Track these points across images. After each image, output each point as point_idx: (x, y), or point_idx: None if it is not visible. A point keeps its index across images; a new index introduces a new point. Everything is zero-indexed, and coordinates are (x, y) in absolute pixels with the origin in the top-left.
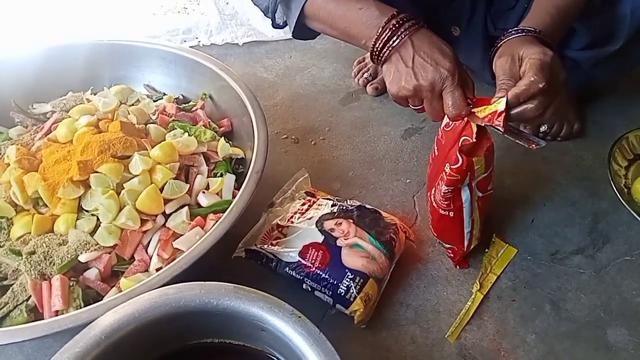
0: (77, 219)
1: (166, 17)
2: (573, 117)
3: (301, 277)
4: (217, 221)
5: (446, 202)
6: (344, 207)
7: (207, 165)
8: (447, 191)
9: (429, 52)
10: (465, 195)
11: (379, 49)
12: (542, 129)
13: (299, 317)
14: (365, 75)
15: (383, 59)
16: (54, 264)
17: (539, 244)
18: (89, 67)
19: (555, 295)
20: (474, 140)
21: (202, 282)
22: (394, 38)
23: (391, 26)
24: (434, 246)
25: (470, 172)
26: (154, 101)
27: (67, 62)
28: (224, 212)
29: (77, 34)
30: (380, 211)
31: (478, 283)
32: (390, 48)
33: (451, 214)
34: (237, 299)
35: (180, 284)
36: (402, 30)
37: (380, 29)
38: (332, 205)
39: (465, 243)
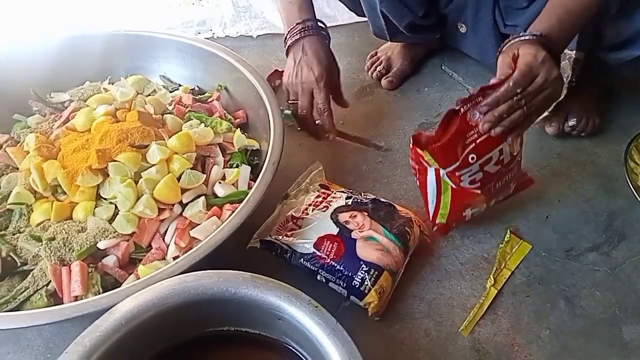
0: (96, 207)
1: (180, 9)
2: (596, 114)
3: (316, 269)
4: (233, 211)
5: (414, 169)
6: (359, 200)
7: (222, 156)
8: (412, 163)
9: (310, 57)
10: (430, 175)
11: (285, 42)
12: (571, 123)
13: (316, 306)
14: (379, 68)
15: (286, 51)
16: (73, 250)
17: (554, 241)
18: (104, 58)
19: (569, 291)
20: (432, 134)
21: (220, 271)
22: (295, 37)
23: (298, 28)
24: (448, 241)
25: (422, 159)
26: (170, 92)
27: (83, 53)
28: (240, 203)
29: (92, 25)
30: (395, 205)
31: (492, 278)
32: (290, 44)
33: (417, 181)
34: (255, 287)
35: (199, 272)
36: (301, 34)
37: (292, 27)
38: (347, 198)
39: (430, 213)
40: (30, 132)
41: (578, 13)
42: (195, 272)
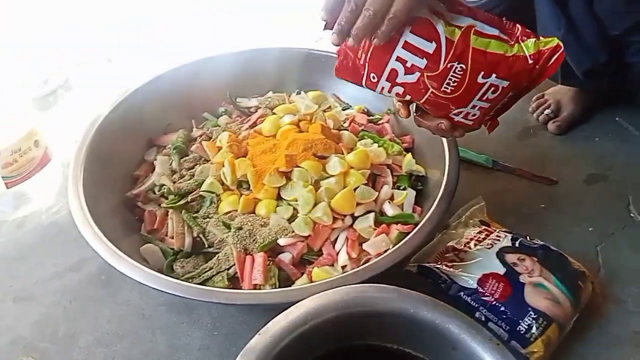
0: (277, 206)
1: None
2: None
3: (477, 305)
4: (401, 231)
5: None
6: (527, 244)
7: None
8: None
9: None
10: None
11: None
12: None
13: (498, 344)
14: (547, 112)
15: None
16: (256, 242)
17: None
18: (280, 71)
19: None
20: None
21: (399, 288)
22: None
23: None
24: (619, 305)
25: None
26: (342, 110)
27: (261, 65)
28: (406, 225)
29: (273, 40)
30: (566, 255)
31: None
32: None
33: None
34: (435, 312)
35: (380, 285)
36: None
37: None
38: (513, 239)
39: None
40: (223, 131)
41: None
42: (374, 284)
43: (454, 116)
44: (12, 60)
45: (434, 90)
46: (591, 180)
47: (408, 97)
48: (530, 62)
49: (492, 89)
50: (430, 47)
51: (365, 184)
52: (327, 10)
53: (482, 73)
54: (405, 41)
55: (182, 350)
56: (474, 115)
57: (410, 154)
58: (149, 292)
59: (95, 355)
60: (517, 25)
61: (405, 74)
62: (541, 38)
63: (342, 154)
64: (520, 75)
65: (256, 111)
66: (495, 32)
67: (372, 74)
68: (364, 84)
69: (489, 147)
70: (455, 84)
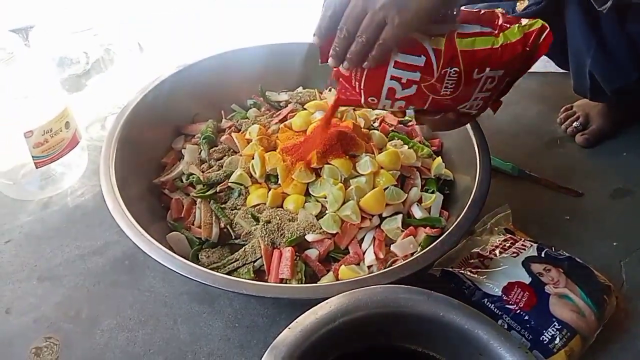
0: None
1: None
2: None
3: (500, 313)
4: (429, 235)
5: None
6: (553, 255)
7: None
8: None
9: None
10: None
11: None
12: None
13: (526, 352)
14: (575, 124)
15: None
16: (284, 236)
17: None
18: (306, 67)
19: None
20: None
21: (428, 290)
22: None
23: None
24: None
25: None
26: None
27: (287, 61)
28: (433, 228)
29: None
30: (592, 268)
31: None
32: None
33: None
34: (464, 317)
35: (410, 287)
36: None
37: None
38: (539, 249)
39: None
40: (252, 124)
41: None
42: (404, 286)
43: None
44: (47, 41)
45: (434, 96)
46: (617, 195)
47: (412, 107)
48: (519, 47)
49: (490, 80)
50: (420, 61)
51: (395, 185)
52: (319, 36)
53: (476, 70)
54: (396, 61)
55: (203, 339)
56: (478, 105)
57: (439, 157)
58: (171, 281)
59: (117, 339)
60: (495, 11)
61: (403, 89)
62: (523, 21)
63: (373, 153)
64: (513, 61)
65: (286, 105)
66: (477, 28)
67: (370, 97)
68: (364, 106)
69: (514, 156)
70: (453, 85)
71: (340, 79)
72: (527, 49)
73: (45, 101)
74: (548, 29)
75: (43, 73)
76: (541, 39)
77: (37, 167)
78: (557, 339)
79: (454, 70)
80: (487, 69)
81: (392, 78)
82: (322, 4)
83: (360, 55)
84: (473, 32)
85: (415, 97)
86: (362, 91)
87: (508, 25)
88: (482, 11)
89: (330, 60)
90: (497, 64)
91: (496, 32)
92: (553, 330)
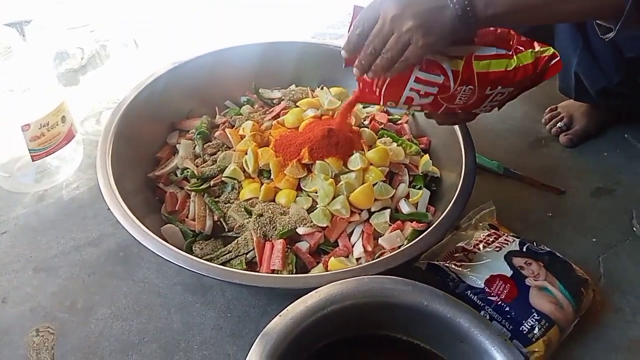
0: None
1: None
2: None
3: (482, 304)
4: (415, 229)
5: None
6: (534, 249)
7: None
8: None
9: None
10: None
11: None
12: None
13: (505, 339)
14: (560, 124)
15: None
16: (275, 229)
17: None
18: (302, 65)
19: None
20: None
21: (414, 281)
22: None
23: None
24: (618, 313)
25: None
26: (363, 108)
27: (281, 58)
28: (420, 223)
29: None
30: (571, 263)
31: None
32: None
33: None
34: (447, 306)
35: (396, 277)
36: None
37: None
38: (521, 244)
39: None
40: (246, 120)
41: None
42: (391, 277)
43: None
44: (44, 36)
45: (448, 105)
46: (598, 193)
47: (426, 111)
48: (531, 69)
49: (499, 94)
50: (439, 79)
51: (384, 181)
52: (348, 50)
53: (489, 87)
54: (417, 76)
55: (195, 329)
56: (485, 108)
57: (427, 155)
58: (165, 272)
59: (112, 328)
60: (511, 32)
61: (420, 99)
62: (537, 47)
63: (363, 150)
64: (524, 81)
65: (279, 103)
66: (493, 51)
67: (389, 102)
68: (382, 106)
69: (500, 154)
70: (466, 97)
71: (361, 82)
72: (537, 70)
73: (42, 95)
74: (558, 57)
75: (41, 67)
76: (551, 64)
77: (33, 160)
78: (536, 329)
79: (469, 88)
80: (499, 87)
81: (412, 90)
82: (351, 23)
83: (385, 68)
84: (489, 54)
85: (430, 105)
86: (382, 96)
87: (522, 49)
88: (499, 30)
89: (355, 70)
90: (509, 83)
91: (510, 53)
92: (532, 320)
